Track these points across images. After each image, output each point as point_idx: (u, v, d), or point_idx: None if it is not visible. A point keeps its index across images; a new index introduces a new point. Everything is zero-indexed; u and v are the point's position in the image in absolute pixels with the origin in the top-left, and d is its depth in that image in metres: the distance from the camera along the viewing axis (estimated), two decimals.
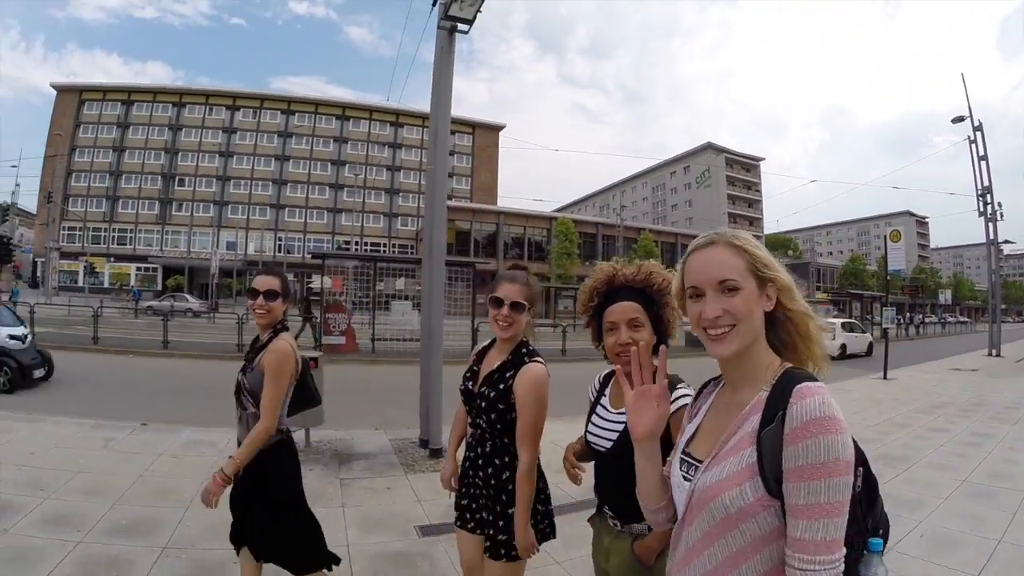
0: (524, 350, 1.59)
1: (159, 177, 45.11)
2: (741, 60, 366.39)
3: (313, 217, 47.10)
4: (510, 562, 1.53)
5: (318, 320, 11.44)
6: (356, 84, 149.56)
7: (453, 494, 1.73)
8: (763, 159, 65.88)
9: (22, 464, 3.73)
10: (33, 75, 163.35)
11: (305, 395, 2.11)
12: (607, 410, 1.37)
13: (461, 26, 4.63)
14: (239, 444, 1.85)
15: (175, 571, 2.44)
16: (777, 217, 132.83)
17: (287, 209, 46.58)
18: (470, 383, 1.68)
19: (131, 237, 44.26)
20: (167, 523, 2.95)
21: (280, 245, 45.47)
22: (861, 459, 0.80)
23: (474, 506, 1.63)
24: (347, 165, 47.72)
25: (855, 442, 0.74)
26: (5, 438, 4.23)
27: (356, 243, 44.96)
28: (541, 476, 1.59)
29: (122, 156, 45.07)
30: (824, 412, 0.69)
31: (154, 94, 46.67)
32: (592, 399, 1.45)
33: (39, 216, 44.09)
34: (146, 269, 43.10)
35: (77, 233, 42.89)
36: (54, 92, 45.98)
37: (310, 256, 31.17)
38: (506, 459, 1.56)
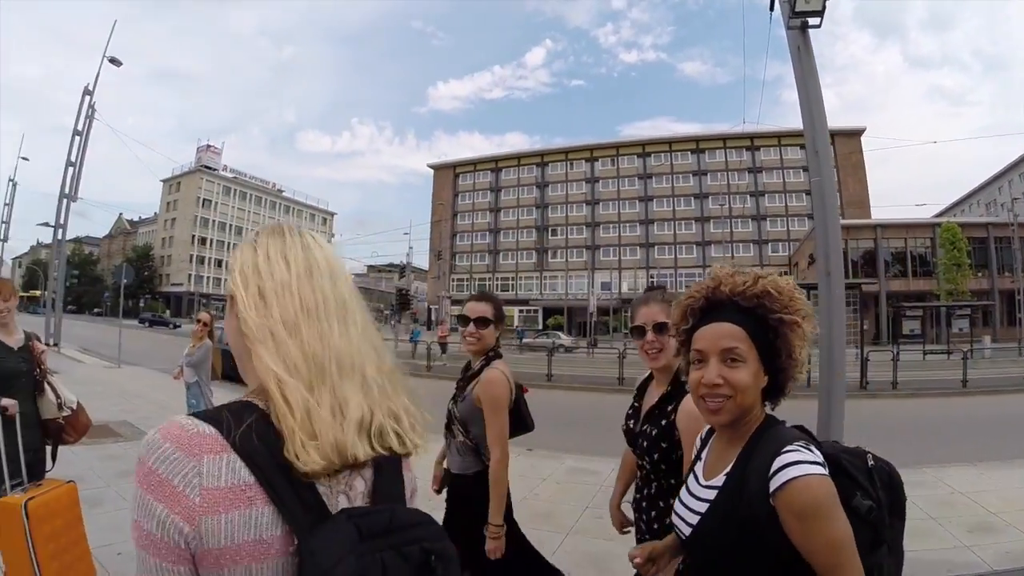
0: (684, 378, 1.42)
1: (533, 230, 57.81)
2: None
3: (682, 252, 53.86)
4: None
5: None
6: (703, 116, 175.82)
7: None
8: None
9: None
10: (410, 161, 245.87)
11: (518, 421, 2.28)
12: (697, 480, 1.16)
13: (811, 20, 4.87)
14: (451, 471, 2.24)
15: None
16: None
17: (655, 247, 54.21)
18: (631, 421, 1.83)
19: (512, 284, 56.58)
20: (546, 547, 3.32)
21: (652, 282, 51.22)
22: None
23: None
24: (709, 197, 54.32)
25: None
26: None
27: None
28: None
29: (498, 216, 59.42)
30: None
31: (518, 159, 61.54)
32: (692, 460, 1.28)
33: (431, 271, 59.70)
34: (528, 311, 54.05)
35: (464, 283, 56.36)
36: (431, 171, 64.25)
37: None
38: (671, 502, 1.33)
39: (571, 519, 4.12)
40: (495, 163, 61.71)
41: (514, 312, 53.55)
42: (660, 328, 1.68)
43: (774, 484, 0.94)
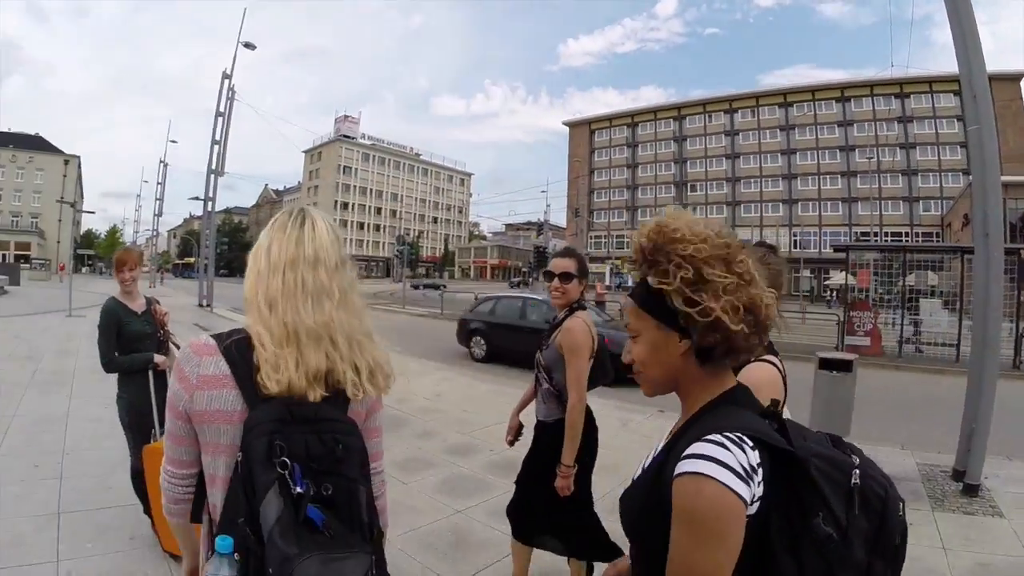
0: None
1: (671, 186, 62.40)
2: None
3: (827, 209, 56.93)
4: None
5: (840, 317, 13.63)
6: (847, 62, 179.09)
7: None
8: None
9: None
10: (544, 120, 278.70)
11: (600, 371, 2.63)
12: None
13: None
14: (537, 417, 2.64)
15: None
16: None
17: (799, 203, 57.60)
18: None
19: None
20: None
21: (795, 240, 55.03)
22: None
23: None
24: (856, 150, 56.32)
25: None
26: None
27: (875, 234, 51.06)
28: None
29: (635, 172, 64.40)
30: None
31: (654, 113, 65.37)
32: None
33: (568, 229, 66.55)
34: None
35: (602, 240, 62.76)
36: (566, 129, 69.66)
37: (831, 250, 37.25)
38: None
39: None
40: (631, 118, 65.94)
41: None
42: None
43: (675, 471, 0.82)
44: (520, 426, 2.82)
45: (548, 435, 2.51)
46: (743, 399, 0.93)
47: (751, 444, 0.81)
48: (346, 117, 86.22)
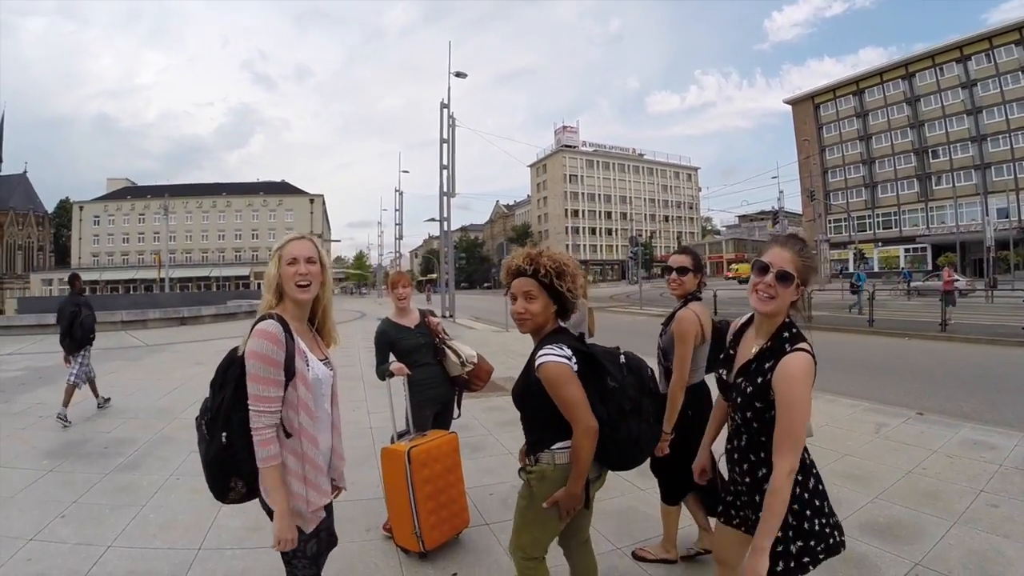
0: (787, 333, 2.36)
1: (911, 155, 71.66)
2: None
3: None
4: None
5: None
6: None
7: None
8: None
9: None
10: (763, 102, 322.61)
11: (716, 356, 3.44)
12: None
13: None
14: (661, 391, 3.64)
15: None
16: None
17: None
18: (724, 371, 2.63)
19: (895, 219, 72.84)
20: (928, 534, 4.20)
21: None
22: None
23: (738, 503, 2.58)
24: None
25: None
26: None
27: None
28: (812, 498, 2.33)
29: (868, 143, 75.43)
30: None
31: (879, 75, 74.74)
32: None
33: (805, 214, 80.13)
34: (914, 250, 69.17)
35: (843, 224, 75.49)
36: (788, 108, 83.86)
37: None
38: (762, 455, 2.36)
39: (960, 504, 4.62)
40: (855, 85, 75.99)
41: (899, 252, 69.96)
42: (783, 277, 2.29)
43: (536, 363, 2.53)
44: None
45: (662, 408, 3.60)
46: (558, 331, 2.68)
47: (567, 346, 2.58)
48: (565, 127, 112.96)
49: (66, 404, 8.52)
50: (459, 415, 4.82)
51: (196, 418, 2.51)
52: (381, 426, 7.47)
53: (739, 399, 2.35)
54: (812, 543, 2.23)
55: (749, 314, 2.54)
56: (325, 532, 2.56)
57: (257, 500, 2.50)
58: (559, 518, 2.67)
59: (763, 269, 2.28)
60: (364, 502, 5.03)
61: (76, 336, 8.92)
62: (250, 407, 2.28)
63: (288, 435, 2.36)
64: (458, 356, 4.60)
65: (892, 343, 16.23)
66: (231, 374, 2.37)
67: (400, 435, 4.38)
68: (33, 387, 11.33)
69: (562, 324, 2.73)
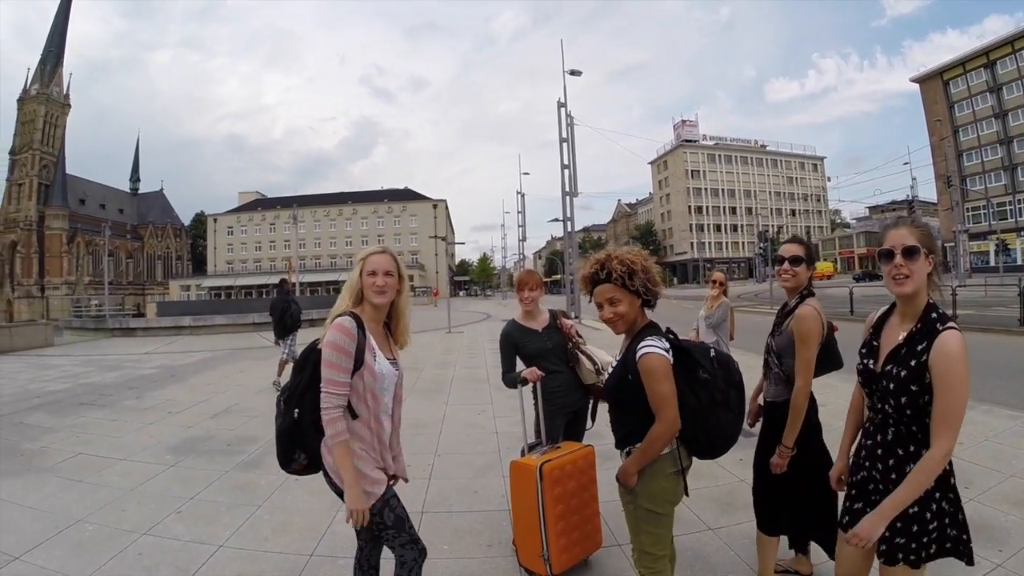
0: (934, 314, 2.40)
1: None
2: None
3: None
4: (910, 567, 2.38)
5: None
6: None
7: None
8: None
9: None
10: (887, 83, 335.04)
11: (829, 358, 3.61)
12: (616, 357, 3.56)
13: None
14: (765, 399, 3.73)
15: None
16: None
17: None
18: (869, 360, 2.63)
19: None
20: (1015, 536, 4.34)
21: None
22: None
23: (867, 510, 2.53)
24: None
25: None
26: None
27: None
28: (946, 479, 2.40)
29: (1005, 121, 72.70)
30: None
31: (1011, 44, 71.42)
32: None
33: (941, 203, 77.86)
34: None
35: (981, 212, 73.06)
36: (916, 87, 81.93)
37: None
38: (911, 448, 2.41)
39: None
40: (986, 57, 73.29)
41: None
42: (909, 252, 2.41)
43: (637, 355, 2.76)
44: (759, 408, 3.96)
45: (776, 416, 3.56)
46: (652, 325, 2.96)
47: (663, 339, 2.88)
48: (684, 122, 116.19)
49: (279, 374, 12.15)
50: (592, 426, 4.56)
51: (277, 396, 3.07)
52: (507, 431, 7.58)
53: (891, 386, 2.40)
54: (929, 529, 2.36)
55: (885, 307, 2.68)
56: (395, 499, 2.99)
57: (327, 482, 2.97)
58: (667, 512, 2.98)
59: (888, 254, 2.44)
60: (488, 514, 5.10)
61: (287, 324, 12.53)
62: (322, 390, 2.75)
63: (355, 416, 2.87)
64: (593, 363, 4.46)
65: None
66: (310, 359, 2.93)
67: (531, 447, 4.29)
68: (164, 384, 12.82)
69: (654, 321, 3.05)
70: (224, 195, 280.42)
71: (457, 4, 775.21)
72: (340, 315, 2.89)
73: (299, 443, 3.00)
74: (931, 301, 2.46)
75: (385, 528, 2.92)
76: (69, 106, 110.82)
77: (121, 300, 50.30)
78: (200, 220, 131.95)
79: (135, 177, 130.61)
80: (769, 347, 3.74)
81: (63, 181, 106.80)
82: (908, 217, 2.67)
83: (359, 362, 2.84)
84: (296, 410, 2.93)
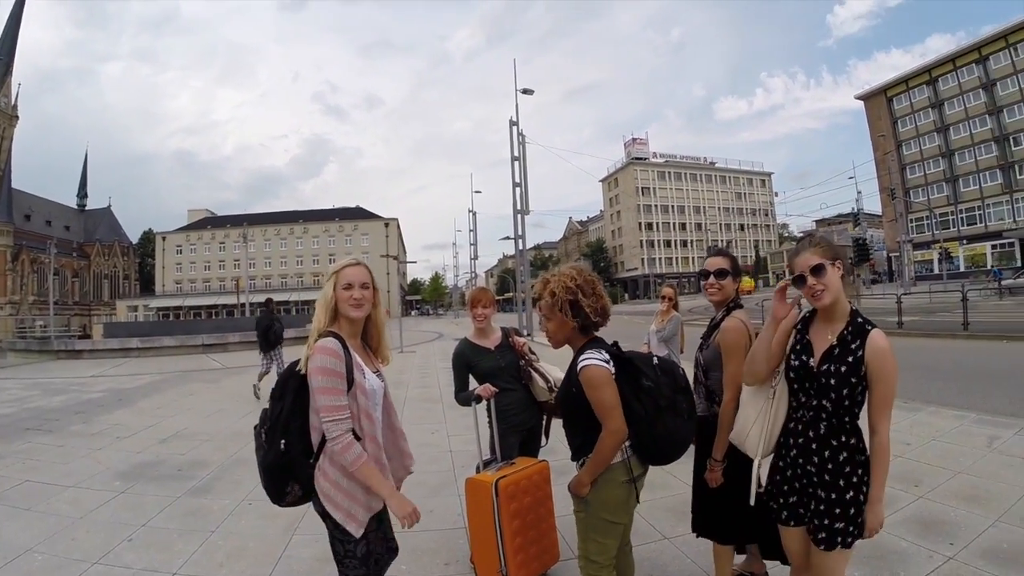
0: (860, 318, 2.68)
1: (991, 144, 71.20)
2: None
3: None
4: (845, 549, 2.65)
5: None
6: None
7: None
8: None
9: (896, 455, 5.62)
10: (832, 100, 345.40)
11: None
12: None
13: None
14: (696, 413, 3.46)
15: None
16: None
17: None
18: (805, 356, 2.76)
19: (979, 215, 72.08)
20: (966, 529, 4.50)
21: None
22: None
23: (805, 499, 2.76)
24: None
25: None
26: None
27: None
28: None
29: (946, 135, 75.10)
30: None
31: (952, 62, 74.13)
32: None
33: (885, 215, 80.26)
34: (1001, 246, 68.57)
35: (924, 222, 74.93)
36: (860, 104, 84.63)
37: None
38: (842, 439, 2.64)
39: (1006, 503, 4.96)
40: (928, 74, 76.04)
41: (986, 249, 69.50)
42: (816, 271, 2.63)
43: (577, 368, 2.95)
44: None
45: (708, 432, 3.51)
46: (593, 341, 3.12)
47: (604, 351, 3.04)
48: (634, 139, 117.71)
49: (259, 381, 13.22)
50: (546, 443, 4.56)
51: (255, 426, 2.88)
52: (462, 449, 7.59)
53: (832, 381, 2.60)
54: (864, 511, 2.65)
55: (806, 311, 2.89)
56: (375, 535, 2.91)
57: (315, 508, 2.85)
58: (617, 522, 3.08)
59: (800, 279, 2.66)
60: (445, 532, 5.10)
61: (270, 339, 13.51)
62: (324, 419, 2.62)
63: (358, 439, 2.70)
64: (546, 380, 4.44)
65: (989, 347, 16.34)
66: (291, 385, 2.77)
67: (486, 463, 4.25)
68: (112, 408, 12.56)
69: (597, 335, 3.16)
70: (173, 212, 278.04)
71: (413, 22, 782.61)
72: (321, 336, 2.78)
73: (291, 475, 2.81)
74: (853, 307, 2.74)
75: (351, 558, 2.82)
76: (17, 117, 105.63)
77: (67, 321, 49.30)
78: (148, 238, 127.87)
79: (83, 193, 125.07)
80: (697, 361, 3.77)
81: (9, 196, 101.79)
82: (807, 240, 2.86)
83: (350, 382, 2.73)
84: (282, 441, 2.77)
